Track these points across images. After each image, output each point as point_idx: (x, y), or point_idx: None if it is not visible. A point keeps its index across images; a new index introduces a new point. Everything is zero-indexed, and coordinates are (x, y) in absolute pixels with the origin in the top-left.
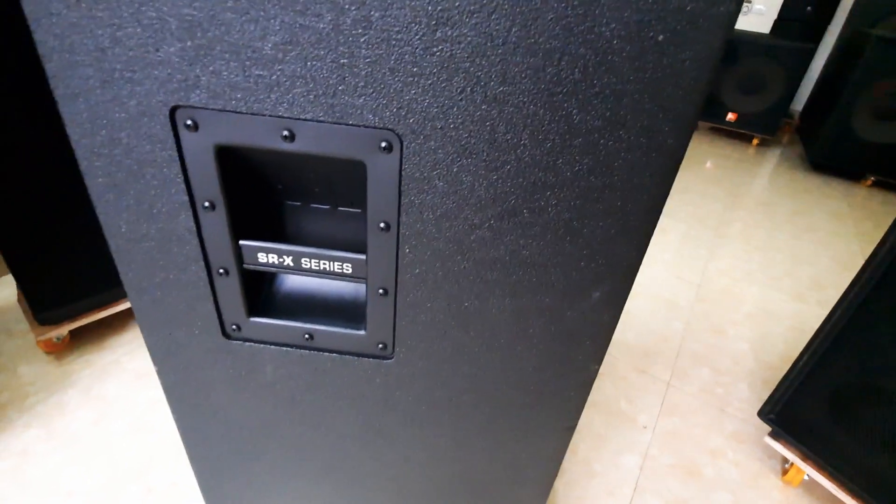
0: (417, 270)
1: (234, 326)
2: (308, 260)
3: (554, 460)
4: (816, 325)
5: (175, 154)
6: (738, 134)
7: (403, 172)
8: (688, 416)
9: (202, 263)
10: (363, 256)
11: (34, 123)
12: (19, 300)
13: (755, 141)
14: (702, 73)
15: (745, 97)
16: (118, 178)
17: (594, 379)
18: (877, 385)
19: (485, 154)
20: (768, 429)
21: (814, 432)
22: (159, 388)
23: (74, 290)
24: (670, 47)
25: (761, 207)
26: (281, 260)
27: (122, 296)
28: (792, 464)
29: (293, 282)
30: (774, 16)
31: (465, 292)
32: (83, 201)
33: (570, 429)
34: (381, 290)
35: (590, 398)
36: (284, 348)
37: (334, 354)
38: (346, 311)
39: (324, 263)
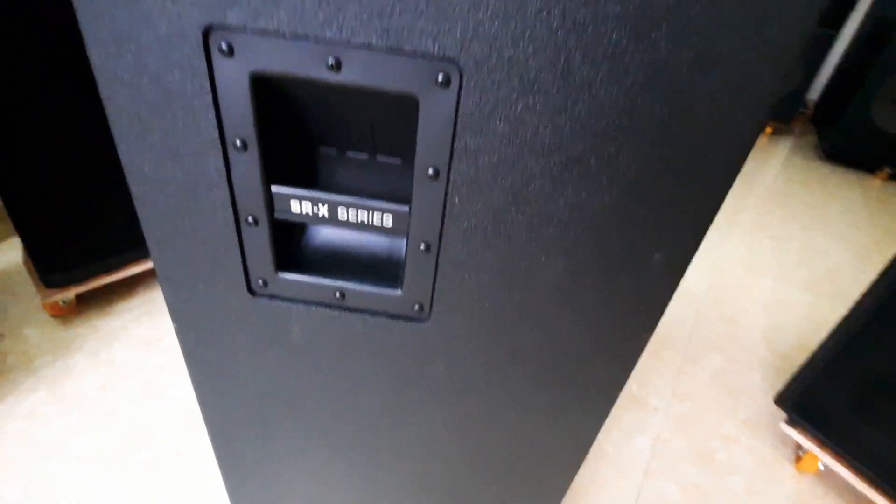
0: (465, 224)
1: (260, 282)
2: (345, 210)
3: (586, 440)
4: (830, 317)
5: (207, 84)
6: None
7: (460, 111)
8: (700, 401)
9: (230, 211)
10: (406, 208)
11: (42, 78)
12: (25, 263)
13: (768, 129)
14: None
15: None
16: (143, 112)
17: (642, 351)
18: None
19: (555, 91)
20: (781, 417)
21: (832, 421)
22: (167, 354)
23: (82, 253)
24: None
25: (774, 197)
26: (315, 210)
27: (130, 261)
28: (807, 452)
29: (325, 236)
30: None
31: (515, 250)
32: (94, 161)
33: (609, 405)
34: (422, 246)
35: None
36: (313, 307)
37: (366, 315)
38: (380, 269)
39: (362, 215)
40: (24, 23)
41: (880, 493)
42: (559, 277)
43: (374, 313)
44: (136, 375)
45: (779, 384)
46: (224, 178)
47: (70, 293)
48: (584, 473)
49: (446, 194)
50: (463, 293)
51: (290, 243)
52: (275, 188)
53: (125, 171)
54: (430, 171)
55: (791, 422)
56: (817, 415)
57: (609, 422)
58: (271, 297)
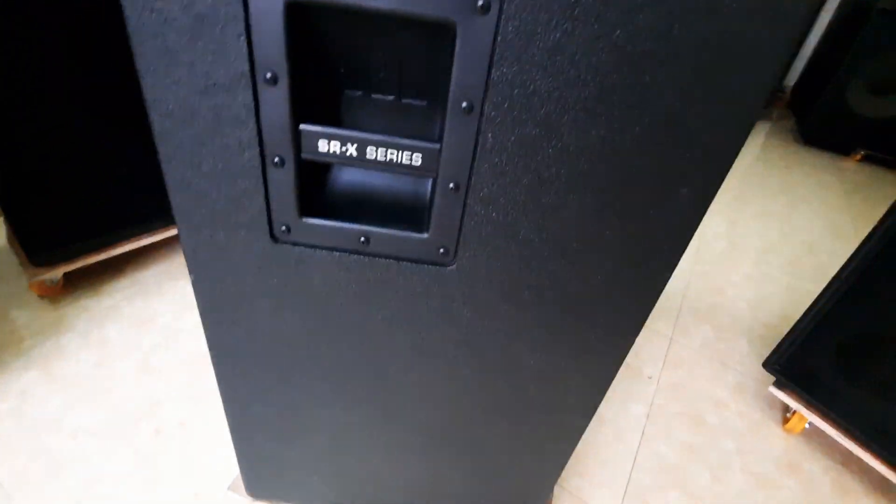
0: (497, 160)
1: (283, 228)
2: (374, 149)
3: (603, 384)
4: (811, 288)
5: (241, 10)
6: None
7: (499, 38)
8: (691, 368)
9: (257, 150)
10: (437, 145)
11: (26, 46)
12: (10, 242)
13: None
14: None
15: None
16: (171, 41)
17: (662, 290)
18: (883, 335)
19: (595, 15)
20: (769, 382)
21: (818, 382)
22: (162, 333)
23: (69, 230)
24: None
25: (753, 177)
26: (344, 149)
27: (119, 239)
28: (793, 413)
29: (349, 180)
30: None
31: (545, 185)
32: (82, 135)
33: (629, 344)
34: (451, 185)
35: None
36: (336, 253)
37: (390, 261)
38: (405, 213)
39: (391, 154)
40: None
41: (863, 449)
42: (587, 214)
43: (398, 258)
44: (132, 353)
45: (765, 351)
46: (252, 115)
47: (57, 272)
48: (584, 438)
49: (479, 130)
50: (490, 233)
51: (314, 187)
52: (303, 126)
53: (149, 108)
54: (464, 105)
55: (779, 384)
56: (804, 377)
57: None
58: (294, 243)
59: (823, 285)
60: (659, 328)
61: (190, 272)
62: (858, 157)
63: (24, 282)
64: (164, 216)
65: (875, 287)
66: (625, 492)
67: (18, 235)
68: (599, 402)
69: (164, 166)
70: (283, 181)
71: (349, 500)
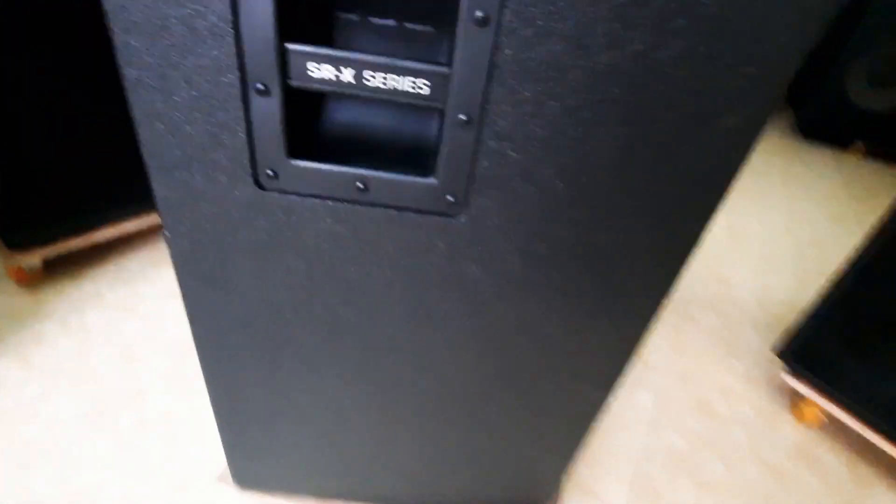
0: (515, 84)
1: (269, 172)
2: (373, 75)
3: (625, 352)
4: (817, 277)
5: None
6: None
7: None
8: (698, 357)
9: (237, 74)
10: (446, 69)
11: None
12: None
13: None
14: None
15: None
16: None
17: (698, 242)
18: None
19: None
20: (777, 370)
21: (831, 367)
22: (147, 320)
23: (49, 212)
24: None
25: (754, 169)
26: (338, 74)
27: (102, 222)
28: (804, 400)
29: (345, 117)
30: None
31: (571, 116)
32: (63, 110)
33: (656, 309)
34: (463, 117)
35: None
36: (330, 203)
37: (390, 211)
38: (408, 155)
39: (393, 81)
40: None
41: (883, 437)
42: (616, 148)
43: (399, 208)
44: (114, 340)
45: (772, 340)
46: (230, 26)
47: (36, 257)
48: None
49: (495, 46)
50: (505, 175)
51: (305, 125)
52: (290, 45)
53: (109, 20)
54: (478, 15)
55: (791, 371)
56: (816, 362)
57: None
58: (282, 191)
59: (830, 275)
60: (664, 317)
61: (165, 229)
62: (859, 149)
63: (2, 270)
64: (149, 201)
65: (893, 266)
66: (633, 481)
67: None
68: (619, 375)
69: (130, 95)
70: (269, 113)
71: (344, 491)
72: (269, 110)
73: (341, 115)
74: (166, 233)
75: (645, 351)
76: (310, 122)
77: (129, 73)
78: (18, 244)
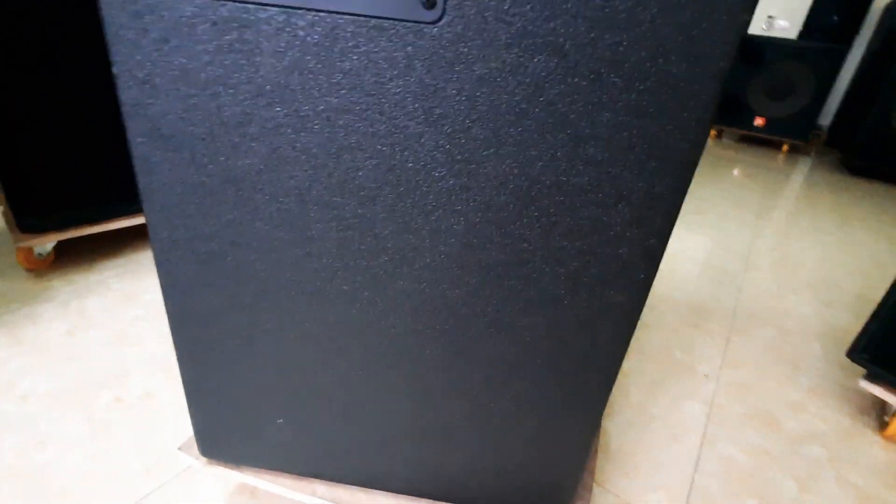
0: None
1: None
2: None
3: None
4: (880, 294)
5: None
6: (766, 142)
7: None
8: (756, 369)
9: None
10: None
11: (20, 10)
12: (4, 214)
13: (785, 147)
14: None
15: (774, 102)
16: None
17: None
18: None
19: None
20: (853, 385)
21: None
22: (147, 307)
23: (64, 197)
24: None
25: (802, 199)
26: None
27: (118, 214)
28: (894, 415)
29: None
30: (799, 28)
31: None
32: (83, 101)
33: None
34: None
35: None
36: (275, 11)
37: (349, 19)
38: None
39: None
40: None
41: None
42: None
43: (363, 16)
44: (109, 324)
45: (841, 357)
46: None
47: (48, 241)
48: (628, 434)
49: None
50: None
51: None
52: None
53: None
54: None
55: (871, 377)
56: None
57: (652, 386)
58: None
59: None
60: (711, 328)
61: (112, 57)
62: None
63: (13, 258)
64: None
65: None
66: (688, 497)
67: (9, 198)
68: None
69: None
70: None
71: (319, 470)
72: None
73: None
74: (114, 69)
75: (691, 360)
76: None
77: None
78: (33, 227)
